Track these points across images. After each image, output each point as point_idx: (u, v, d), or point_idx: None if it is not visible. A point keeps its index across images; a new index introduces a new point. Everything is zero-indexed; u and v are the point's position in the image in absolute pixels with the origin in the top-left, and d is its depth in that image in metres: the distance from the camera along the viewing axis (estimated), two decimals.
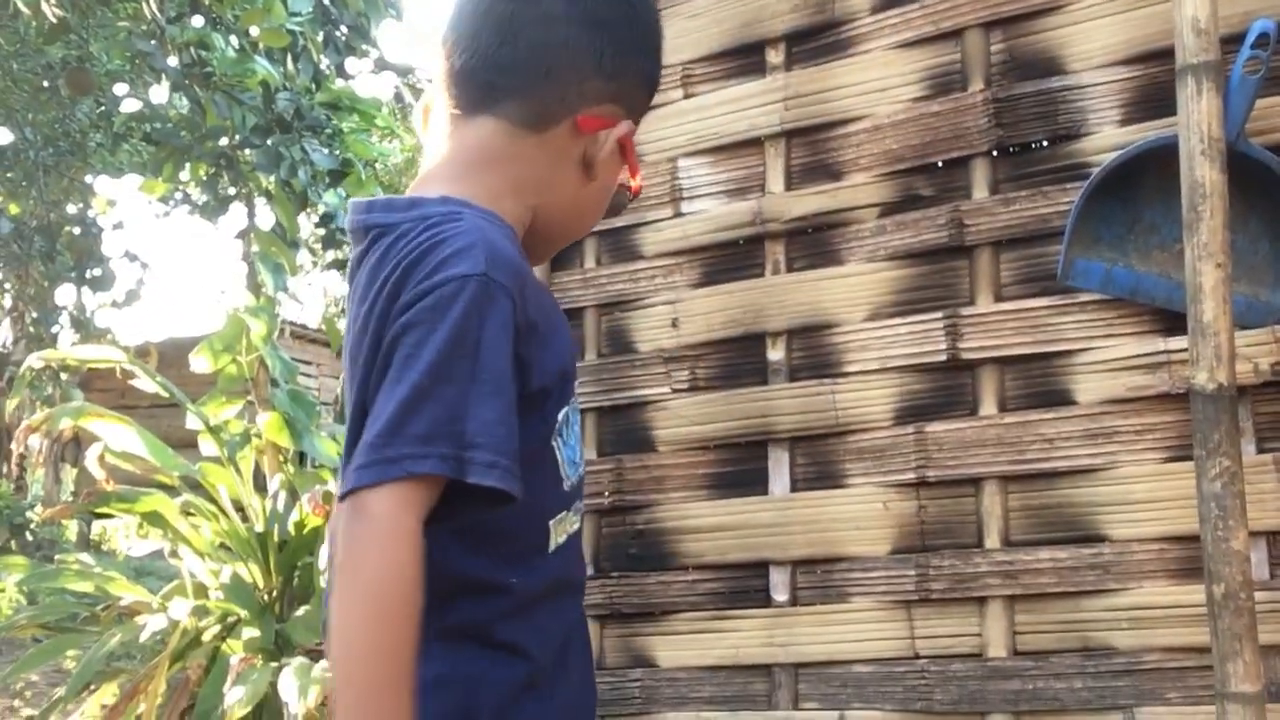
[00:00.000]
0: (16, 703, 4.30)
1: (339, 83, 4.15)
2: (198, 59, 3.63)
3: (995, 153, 1.69)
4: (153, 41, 3.57)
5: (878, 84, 1.78)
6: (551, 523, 0.93)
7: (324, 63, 3.95)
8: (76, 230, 8.19)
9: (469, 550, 0.86)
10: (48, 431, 3.30)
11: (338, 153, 3.93)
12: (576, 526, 0.97)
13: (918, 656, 1.64)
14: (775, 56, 1.87)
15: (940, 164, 1.72)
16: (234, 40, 3.73)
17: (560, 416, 0.93)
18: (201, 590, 3.18)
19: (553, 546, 0.92)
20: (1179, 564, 1.45)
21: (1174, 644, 1.44)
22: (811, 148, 1.83)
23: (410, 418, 0.78)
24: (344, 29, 4.02)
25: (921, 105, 1.74)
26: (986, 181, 1.69)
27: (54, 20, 3.71)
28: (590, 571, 1.90)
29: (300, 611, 3.03)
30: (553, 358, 0.91)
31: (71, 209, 8.63)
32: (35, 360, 3.19)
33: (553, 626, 0.92)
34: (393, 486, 0.77)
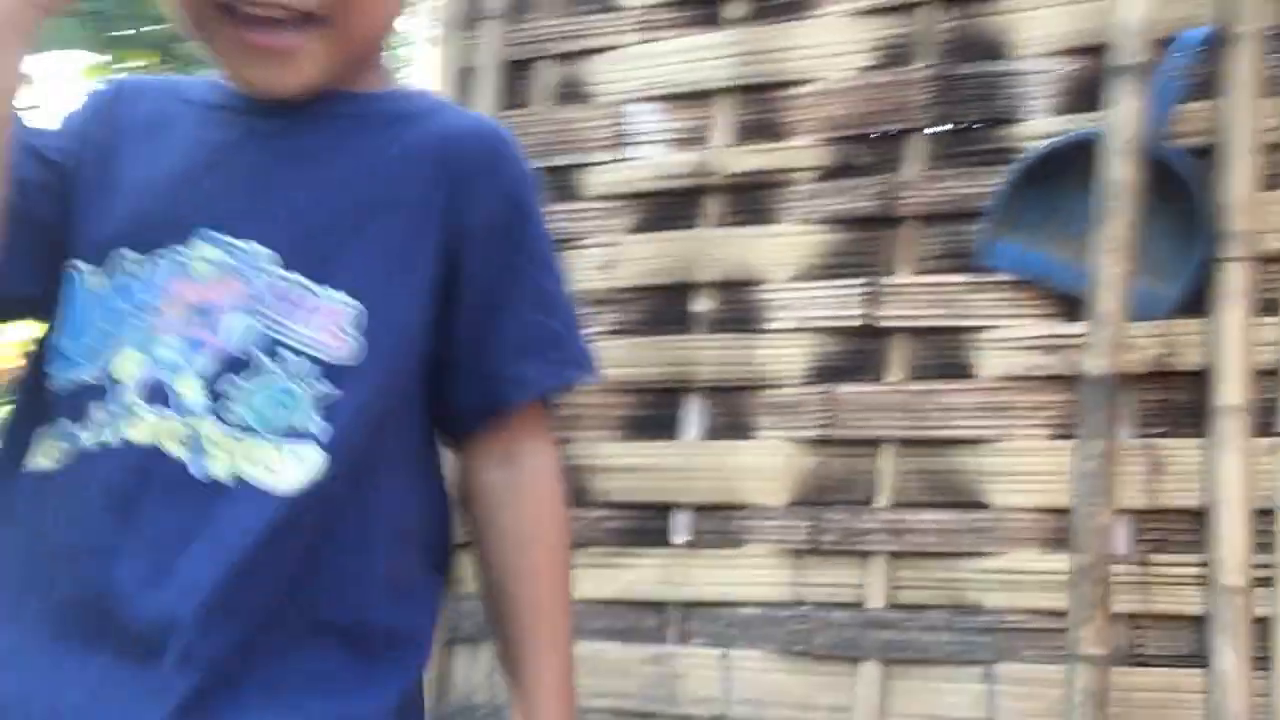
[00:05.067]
0: None
1: None
2: None
3: (932, 129, 1.74)
4: None
5: (830, 49, 1.82)
6: (36, 431, 0.65)
7: None
8: None
9: None
10: None
11: None
12: (86, 445, 0.62)
13: (801, 603, 1.71)
14: (734, 10, 1.89)
15: (878, 135, 1.77)
16: None
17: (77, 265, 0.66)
18: None
19: (29, 467, 0.64)
20: (1051, 534, 1.53)
21: (1037, 607, 1.53)
22: (759, 105, 1.87)
23: None
24: None
25: (869, 75, 1.78)
26: (920, 157, 1.74)
27: None
28: None
29: None
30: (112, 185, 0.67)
31: None
32: None
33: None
34: None
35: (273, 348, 0.61)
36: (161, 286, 0.62)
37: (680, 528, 1.83)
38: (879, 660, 1.61)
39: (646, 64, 1.95)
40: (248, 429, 0.59)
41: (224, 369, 0.60)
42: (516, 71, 2.06)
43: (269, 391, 0.60)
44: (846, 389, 1.73)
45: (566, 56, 2.02)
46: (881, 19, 1.78)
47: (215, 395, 0.60)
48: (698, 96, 1.91)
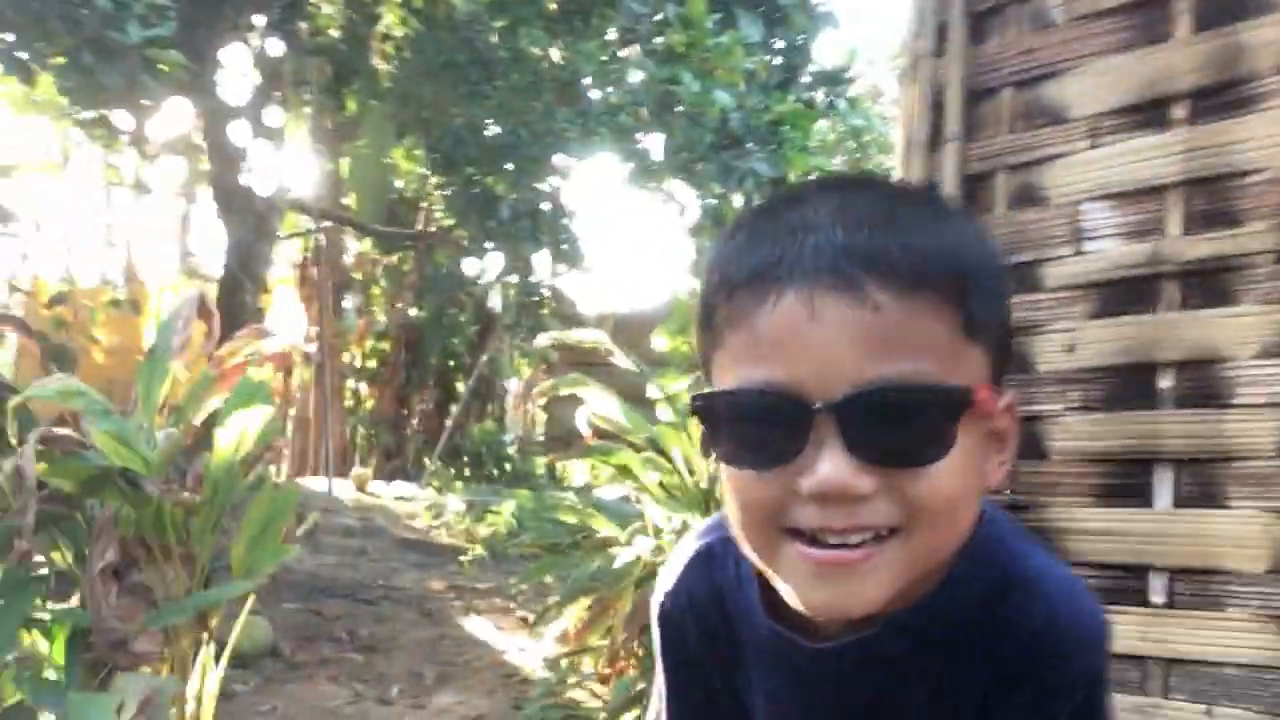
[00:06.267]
0: (511, 605, 5.40)
1: (781, 104, 4.67)
2: (668, 94, 4.34)
3: None
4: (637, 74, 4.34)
5: (1279, 139, 1.91)
6: None
7: (771, 79, 4.47)
8: (546, 206, 9.51)
9: None
10: (546, 392, 4.20)
11: (779, 165, 4.45)
12: None
13: None
14: (1179, 112, 2.05)
15: None
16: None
17: None
18: (657, 531, 3.89)
19: None
20: None
21: None
22: (1209, 196, 2.00)
23: None
24: (785, 54, 4.50)
25: None
26: None
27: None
28: None
29: None
30: None
31: (545, 188, 10.04)
32: (544, 340, 4.11)
33: None
34: None
35: None
36: None
37: (1158, 589, 2.00)
38: None
39: (1097, 166, 2.17)
40: None
41: None
42: (977, 182, 2.37)
43: None
44: None
45: (1021, 166, 2.29)
46: None
47: None
48: (1148, 192, 2.08)
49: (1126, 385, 2.08)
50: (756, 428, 0.63)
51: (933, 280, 0.62)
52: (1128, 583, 2.04)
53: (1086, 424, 2.13)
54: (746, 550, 0.68)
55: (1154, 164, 2.07)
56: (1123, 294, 2.11)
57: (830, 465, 0.60)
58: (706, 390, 0.67)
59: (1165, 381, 2.03)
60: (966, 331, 0.64)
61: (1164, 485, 2.01)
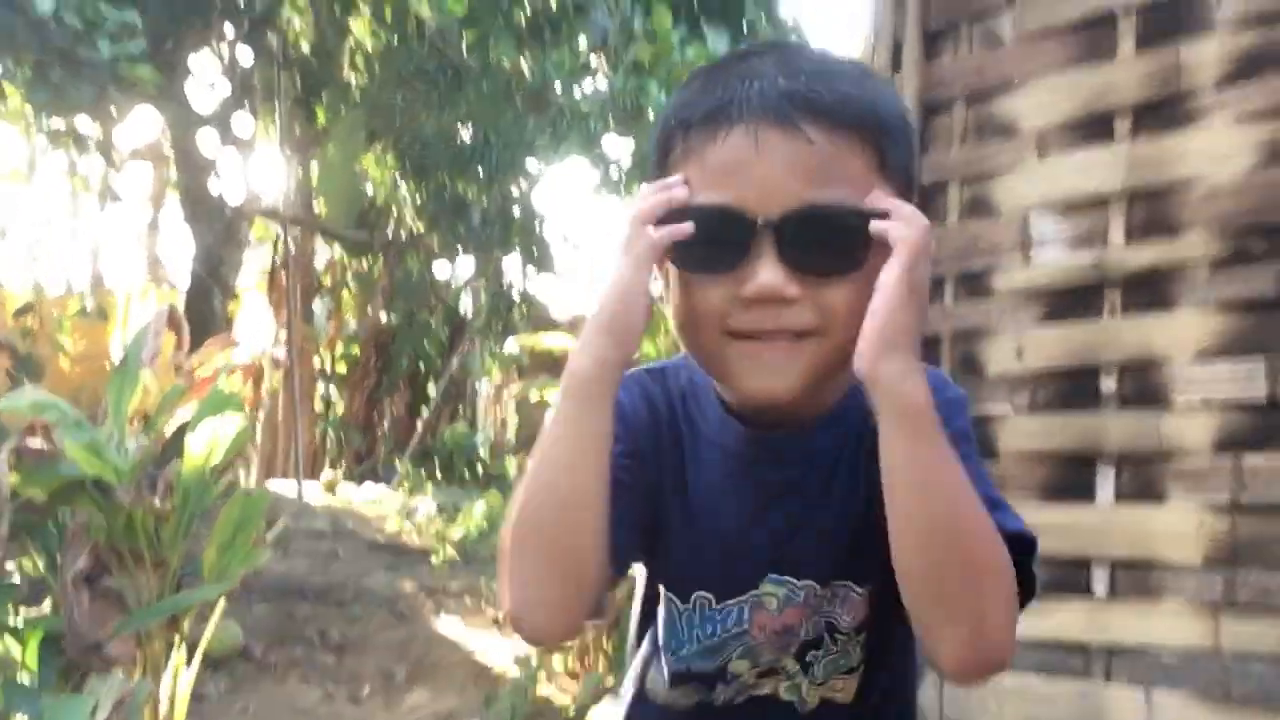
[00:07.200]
0: (482, 604, 5.42)
1: None
2: (635, 105, 4.42)
3: None
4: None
5: (1217, 152, 2.01)
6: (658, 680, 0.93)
7: None
8: (517, 211, 9.49)
9: None
10: (517, 395, 4.26)
11: None
12: (717, 702, 0.91)
13: (1219, 653, 1.90)
14: (1122, 126, 2.14)
15: (1271, 226, 1.92)
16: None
17: None
18: None
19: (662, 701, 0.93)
20: None
21: None
22: (1151, 207, 2.10)
23: None
24: None
25: (1257, 174, 1.94)
26: None
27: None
28: None
29: None
30: None
31: (515, 193, 10.04)
32: (512, 345, 4.19)
33: None
34: None
35: (830, 632, 0.86)
36: (749, 619, 0.86)
37: (1100, 580, 2.09)
38: None
39: (1044, 177, 2.26)
40: (824, 682, 0.87)
41: (806, 651, 0.86)
42: (929, 193, 2.46)
43: (832, 658, 0.86)
44: (1256, 459, 1.90)
45: (973, 179, 2.38)
46: (1264, 122, 1.94)
47: (805, 666, 0.87)
48: (1092, 204, 2.17)
49: (1071, 387, 2.18)
50: (709, 240, 0.75)
51: (855, 123, 0.74)
52: (1072, 575, 2.13)
53: (1034, 424, 2.22)
54: (695, 354, 0.80)
55: (1098, 176, 2.16)
56: (1068, 300, 2.20)
57: (767, 273, 0.73)
58: (674, 210, 0.77)
59: (1108, 384, 2.12)
60: (880, 170, 0.75)
61: (1106, 482, 2.11)
